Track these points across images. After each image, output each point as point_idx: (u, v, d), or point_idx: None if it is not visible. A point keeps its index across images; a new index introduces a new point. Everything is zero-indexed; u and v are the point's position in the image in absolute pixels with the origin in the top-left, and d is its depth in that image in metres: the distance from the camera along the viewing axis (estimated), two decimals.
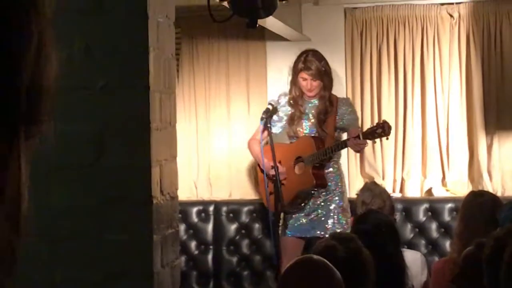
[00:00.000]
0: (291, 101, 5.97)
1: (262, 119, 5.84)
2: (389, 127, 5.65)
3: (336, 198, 5.93)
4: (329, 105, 5.90)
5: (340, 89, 6.97)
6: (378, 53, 7.05)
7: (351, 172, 7.09)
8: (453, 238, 4.94)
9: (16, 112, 0.70)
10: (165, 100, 3.18)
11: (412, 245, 6.61)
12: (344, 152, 6.35)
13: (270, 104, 5.94)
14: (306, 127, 5.96)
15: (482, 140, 6.96)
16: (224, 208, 6.96)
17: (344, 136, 6.04)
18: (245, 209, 6.92)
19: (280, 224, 6.02)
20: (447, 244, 6.65)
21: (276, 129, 6.03)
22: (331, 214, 5.89)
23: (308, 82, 5.86)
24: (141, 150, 2.98)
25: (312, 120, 5.94)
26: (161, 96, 3.13)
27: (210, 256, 6.98)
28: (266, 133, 5.88)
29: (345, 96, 6.32)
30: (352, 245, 3.27)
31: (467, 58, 6.95)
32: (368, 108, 7.04)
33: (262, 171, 5.90)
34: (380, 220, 4.15)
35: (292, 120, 5.96)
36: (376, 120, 6.99)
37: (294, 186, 5.85)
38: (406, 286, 4.00)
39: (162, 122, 3.13)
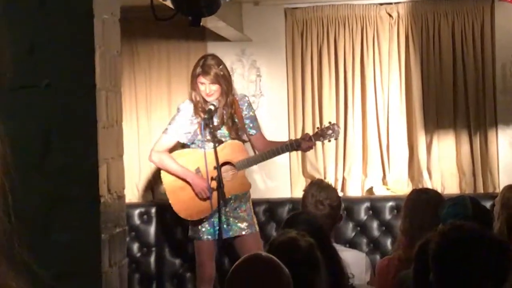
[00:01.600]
0: (194, 108, 5.90)
1: (204, 119, 5.79)
2: (339, 128, 5.75)
3: (245, 201, 5.97)
4: (230, 107, 5.89)
5: (281, 89, 6.99)
6: (318, 53, 7.08)
7: (293, 172, 7.11)
8: (397, 236, 4.98)
9: None
10: (111, 98, 3.15)
11: (353, 244, 6.65)
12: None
13: (212, 104, 5.89)
14: (223, 131, 5.93)
15: (421, 139, 7.03)
16: (167, 210, 6.90)
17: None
18: None
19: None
20: (388, 242, 6.71)
21: (180, 137, 5.94)
22: (242, 217, 5.92)
23: (206, 86, 5.81)
24: (88, 149, 2.94)
25: (226, 126, 5.92)
26: (107, 94, 3.10)
27: (152, 259, 6.94)
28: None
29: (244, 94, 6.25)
30: (309, 240, 3.30)
31: (406, 57, 7.02)
32: (309, 107, 7.06)
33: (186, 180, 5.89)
34: (308, 220, 4.13)
35: (207, 125, 5.87)
36: (317, 120, 7.03)
37: (227, 191, 5.76)
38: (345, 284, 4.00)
39: (108, 120, 3.10)
